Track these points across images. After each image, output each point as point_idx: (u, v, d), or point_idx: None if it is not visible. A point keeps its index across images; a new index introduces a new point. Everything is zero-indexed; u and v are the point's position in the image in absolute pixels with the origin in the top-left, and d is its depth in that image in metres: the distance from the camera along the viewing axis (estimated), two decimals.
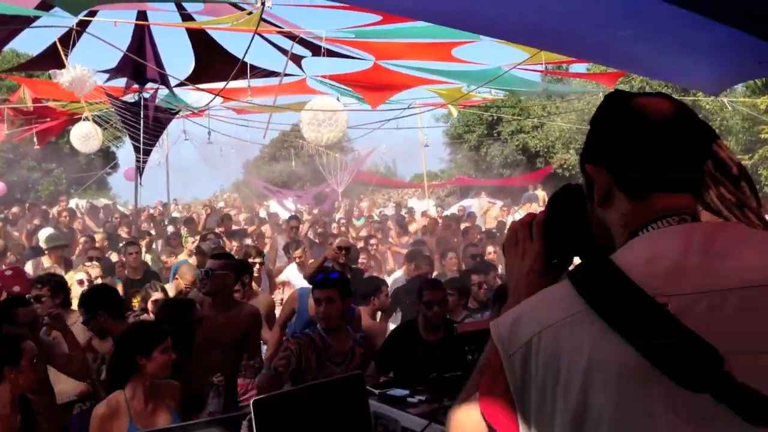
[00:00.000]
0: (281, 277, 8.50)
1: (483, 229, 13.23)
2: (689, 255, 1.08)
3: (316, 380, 3.78)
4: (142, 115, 12.18)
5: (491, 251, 8.98)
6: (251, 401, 2.35)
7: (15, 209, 15.86)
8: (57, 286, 5.10)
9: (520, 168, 26.55)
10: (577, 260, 1.34)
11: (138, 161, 12.94)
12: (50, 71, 12.76)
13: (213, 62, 11.32)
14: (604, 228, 1.24)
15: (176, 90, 13.31)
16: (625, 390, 1.00)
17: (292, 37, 10.48)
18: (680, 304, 1.03)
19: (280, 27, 10.41)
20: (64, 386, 4.42)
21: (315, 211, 19.15)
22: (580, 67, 18.58)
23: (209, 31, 10.98)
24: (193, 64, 11.79)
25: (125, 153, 27.36)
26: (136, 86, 12.58)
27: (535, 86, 13.80)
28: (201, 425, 2.72)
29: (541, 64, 10.21)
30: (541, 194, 18.92)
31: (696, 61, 3.99)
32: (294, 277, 8.07)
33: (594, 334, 1.04)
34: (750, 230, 1.20)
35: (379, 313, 6.18)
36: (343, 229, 14.02)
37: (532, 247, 1.35)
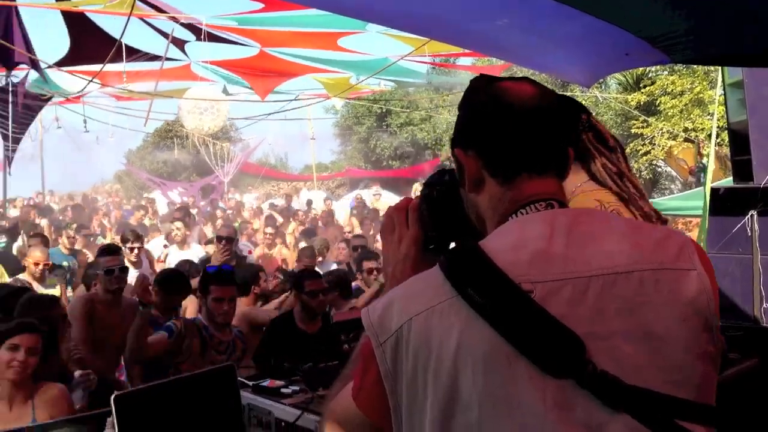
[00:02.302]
0: (161, 257, 8.46)
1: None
2: (553, 241, 1.09)
3: (195, 367, 3.71)
4: (10, 101, 11.43)
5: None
6: (112, 397, 2.20)
7: None
8: None
9: (409, 160, 26.90)
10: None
11: (6, 150, 12.18)
12: None
13: (90, 45, 10.70)
14: (477, 212, 1.24)
15: (50, 73, 12.52)
16: (492, 376, 1.01)
17: (172, 19, 10.12)
18: (544, 290, 1.04)
19: (157, 9, 9.99)
20: None
21: (201, 204, 18.67)
22: (466, 61, 19.06)
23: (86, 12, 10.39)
24: (68, 47, 11.11)
25: None
26: (3, 68, 11.75)
27: (422, 78, 14.00)
28: (61, 424, 2.54)
29: (425, 55, 10.36)
30: None
31: (569, 53, 4.12)
32: (174, 257, 7.99)
33: (462, 320, 1.03)
34: (612, 216, 1.24)
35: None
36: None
37: (408, 233, 1.34)
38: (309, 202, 17.75)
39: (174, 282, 4.98)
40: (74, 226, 9.60)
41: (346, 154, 31.18)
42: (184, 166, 27.52)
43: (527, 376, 1.00)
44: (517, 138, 1.17)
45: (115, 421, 2.16)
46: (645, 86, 18.01)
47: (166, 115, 19.52)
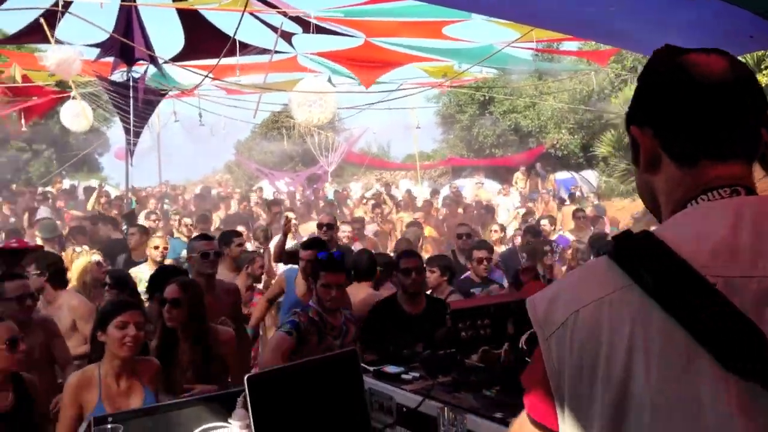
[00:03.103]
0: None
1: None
2: (739, 232, 0.98)
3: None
4: (131, 96, 12.04)
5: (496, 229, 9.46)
6: (245, 377, 2.35)
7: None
8: (45, 264, 5.07)
9: (513, 148, 26.47)
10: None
11: (128, 143, 12.84)
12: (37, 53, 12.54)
13: (203, 40, 11.19)
14: (651, 194, 1.16)
15: (166, 68, 13.15)
16: (669, 373, 0.93)
17: (281, 13, 10.42)
18: (727, 285, 0.94)
19: (268, 5, 10.31)
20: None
21: (307, 193, 19.11)
22: (571, 46, 18.56)
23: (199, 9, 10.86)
24: (183, 43, 11.66)
25: (116, 132, 27.12)
26: (124, 64, 12.42)
27: (527, 64, 13.74)
28: (194, 402, 2.71)
29: (533, 41, 10.16)
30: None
31: (684, 38, 3.97)
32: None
33: (635, 311, 0.96)
34: None
35: None
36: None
37: None
38: (408, 192, 17.83)
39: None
40: (184, 216, 10.06)
41: (449, 143, 31.00)
42: (290, 156, 28.20)
43: (710, 375, 0.91)
44: (700, 118, 1.07)
45: (249, 400, 2.31)
46: (767, 68, 16.94)
47: (273, 106, 20.11)
